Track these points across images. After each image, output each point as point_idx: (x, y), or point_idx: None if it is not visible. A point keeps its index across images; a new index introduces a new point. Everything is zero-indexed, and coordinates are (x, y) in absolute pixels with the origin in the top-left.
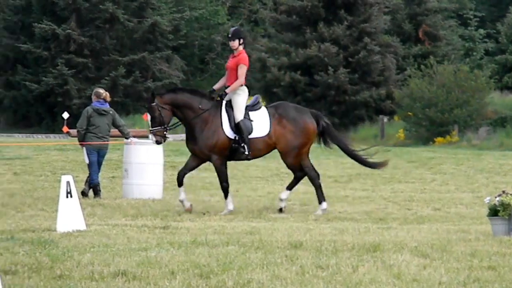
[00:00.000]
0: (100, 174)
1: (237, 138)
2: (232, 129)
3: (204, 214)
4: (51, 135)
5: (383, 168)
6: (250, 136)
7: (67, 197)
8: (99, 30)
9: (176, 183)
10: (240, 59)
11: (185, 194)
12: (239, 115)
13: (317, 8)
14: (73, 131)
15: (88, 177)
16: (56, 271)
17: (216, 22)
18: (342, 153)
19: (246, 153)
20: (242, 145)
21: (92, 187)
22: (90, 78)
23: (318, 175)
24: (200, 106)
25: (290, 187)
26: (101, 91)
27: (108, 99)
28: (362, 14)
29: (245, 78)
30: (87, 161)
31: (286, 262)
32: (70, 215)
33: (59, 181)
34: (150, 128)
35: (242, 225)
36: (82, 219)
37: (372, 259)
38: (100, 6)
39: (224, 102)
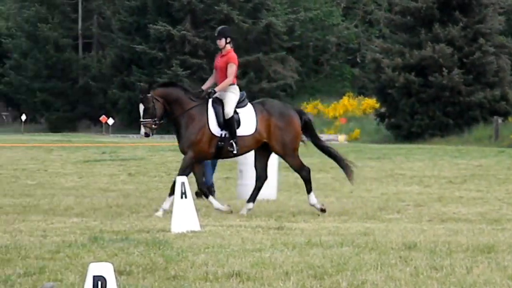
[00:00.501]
0: (214, 175)
1: (224, 135)
2: (220, 126)
3: (318, 215)
4: (166, 136)
5: (350, 179)
6: (237, 134)
7: (181, 198)
8: (213, 31)
9: (204, 195)
10: (230, 58)
11: (217, 201)
12: (229, 111)
13: (431, 9)
14: None
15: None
16: (171, 271)
17: (330, 23)
18: (456, 153)
19: (235, 152)
20: (230, 142)
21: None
22: (205, 79)
23: (266, 178)
24: (188, 103)
25: (308, 191)
26: None
27: None
28: (477, 15)
29: (235, 76)
30: None
31: (400, 263)
32: (184, 216)
33: (174, 181)
34: (141, 120)
35: (356, 226)
36: (196, 220)
37: (486, 260)
38: (215, 7)
39: (210, 100)
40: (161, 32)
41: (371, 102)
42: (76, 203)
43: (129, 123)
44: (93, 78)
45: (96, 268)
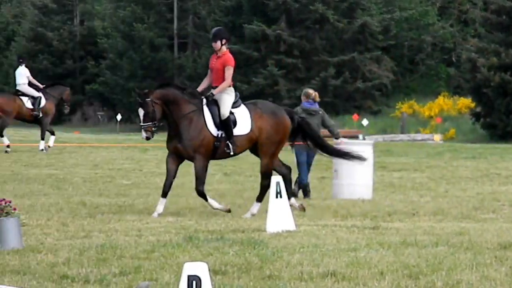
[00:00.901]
0: (309, 174)
1: (220, 135)
2: (217, 126)
3: (413, 214)
4: None
5: (363, 161)
6: (234, 133)
7: (276, 197)
8: (309, 30)
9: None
10: (226, 60)
11: (163, 207)
12: (225, 112)
13: None
14: None
15: (298, 177)
16: (266, 271)
17: (426, 22)
18: None
19: (232, 153)
20: (227, 142)
21: (301, 187)
22: (300, 79)
23: (289, 169)
24: (186, 104)
25: (258, 199)
26: (310, 91)
27: (317, 99)
28: None
29: (232, 78)
30: (296, 161)
31: (495, 263)
32: (279, 215)
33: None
34: (142, 124)
35: (452, 225)
36: (291, 219)
37: None
38: (310, 6)
39: (205, 101)
40: (256, 31)
41: (466, 102)
42: (171, 203)
43: None
44: (188, 77)
45: (191, 268)
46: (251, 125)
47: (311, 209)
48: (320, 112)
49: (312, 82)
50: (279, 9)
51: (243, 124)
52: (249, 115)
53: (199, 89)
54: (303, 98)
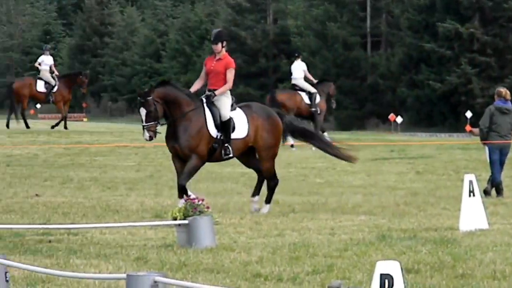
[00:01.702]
0: (502, 173)
1: (219, 137)
2: (217, 128)
3: None
4: (454, 134)
5: (353, 161)
6: (232, 137)
7: (469, 196)
8: (502, 29)
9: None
10: (229, 63)
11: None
12: (226, 113)
13: None
14: (476, 130)
15: (491, 176)
16: (458, 270)
17: None
18: None
19: (231, 154)
20: (226, 145)
21: (494, 185)
22: (493, 77)
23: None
24: (186, 104)
25: (267, 201)
26: (502, 89)
27: (509, 97)
28: None
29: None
30: (489, 160)
31: None
32: (472, 214)
33: (462, 180)
34: (144, 124)
35: None
36: (484, 218)
37: None
38: (504, 5)
39: (205, 102)
40: (449, 30)
41: None
42: (364, 201)
43: (417, 122)
44: (381, 76)
45: (384, 266)
46: (248, 130)
47: (504, 208)
48: None
49: (506, 80)
50: (472, 7)
51: (240, 128)
52: (245, 119)
53: (192, 90)
54: (496, 97)
